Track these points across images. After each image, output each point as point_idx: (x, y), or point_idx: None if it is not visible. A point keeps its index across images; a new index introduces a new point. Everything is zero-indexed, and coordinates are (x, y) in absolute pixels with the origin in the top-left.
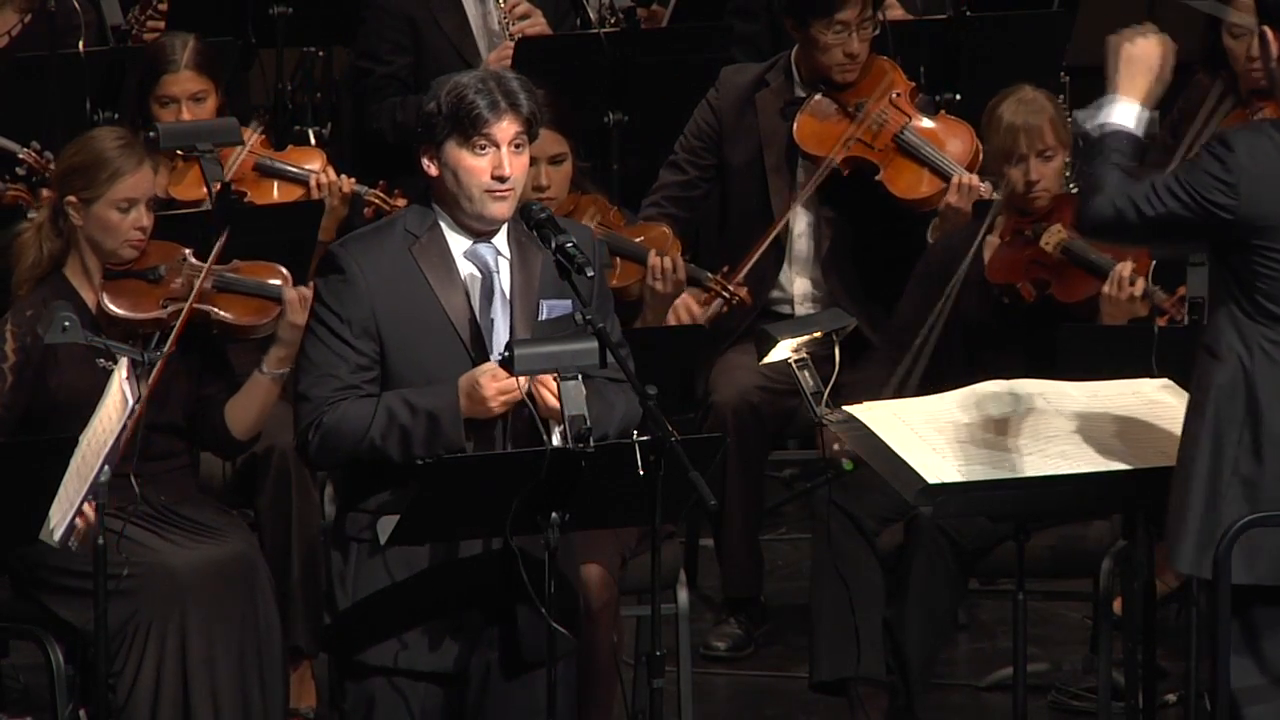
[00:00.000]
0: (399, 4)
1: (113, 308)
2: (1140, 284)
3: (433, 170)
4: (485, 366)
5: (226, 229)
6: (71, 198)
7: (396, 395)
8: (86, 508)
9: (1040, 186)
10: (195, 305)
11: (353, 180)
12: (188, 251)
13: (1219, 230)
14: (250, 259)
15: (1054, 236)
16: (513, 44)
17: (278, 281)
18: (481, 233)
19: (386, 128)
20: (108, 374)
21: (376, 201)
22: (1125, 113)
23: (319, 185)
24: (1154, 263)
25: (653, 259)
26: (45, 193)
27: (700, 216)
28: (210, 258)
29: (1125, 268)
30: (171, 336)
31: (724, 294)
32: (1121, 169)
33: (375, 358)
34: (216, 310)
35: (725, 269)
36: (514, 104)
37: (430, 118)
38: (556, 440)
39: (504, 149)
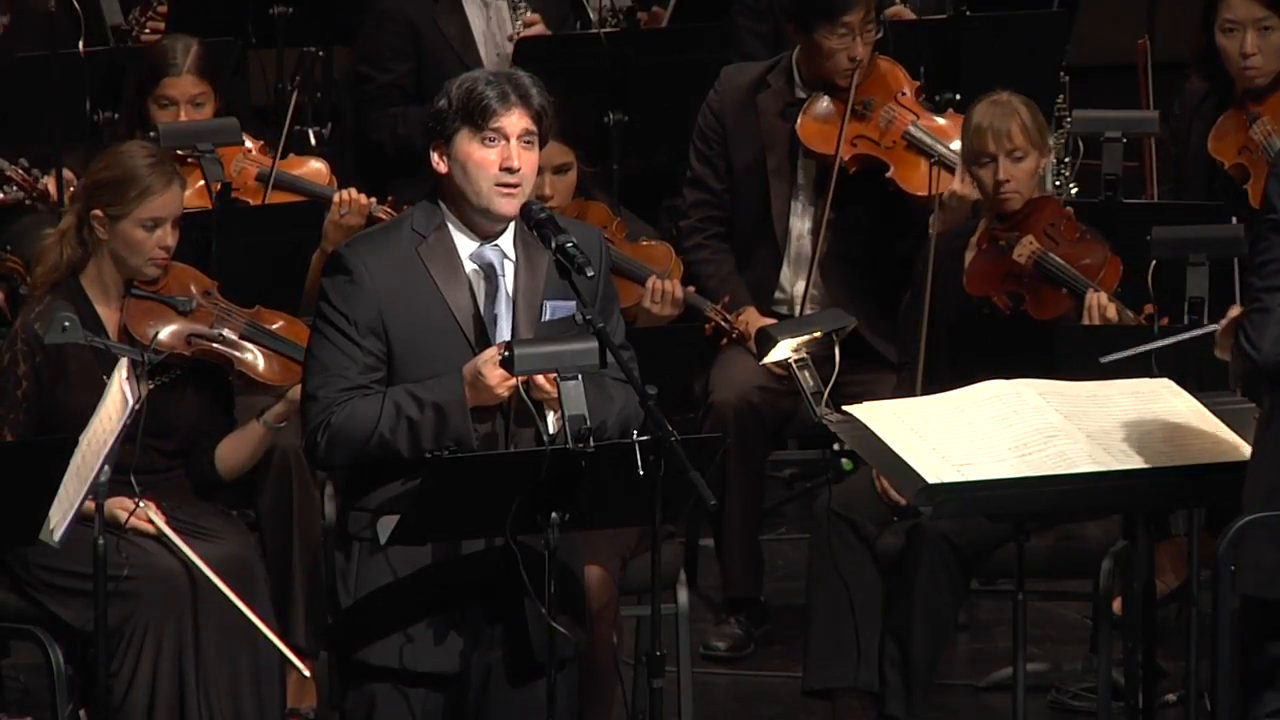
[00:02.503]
0: (401, 9)
1: (135, 329)
2: (1113, 310)
3: (442, 167)
4: (487, 354)
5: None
6: (98, 212)
7: (402, 390)
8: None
9: (1009, 187)
10: (220, 349)
11: (374, 199)
12: (214, 285)
13: None
14: (250, 260)
15: (1026, 248)
16: None
17: (304, 346)
18: (488, 232)
19: (386, 140)
20: None
21: (384, 217)
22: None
23: (342, 203)
24: (1155, 262)
25: (653, 282)
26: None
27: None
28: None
29: (1100, 297)
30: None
31: (723, 324)
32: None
33: (382, 357)
34: (239, 361)
35: (726, 299)
36: (524, 96)
37: (441, 113)
38: (552, 425)
39: (513, 142)
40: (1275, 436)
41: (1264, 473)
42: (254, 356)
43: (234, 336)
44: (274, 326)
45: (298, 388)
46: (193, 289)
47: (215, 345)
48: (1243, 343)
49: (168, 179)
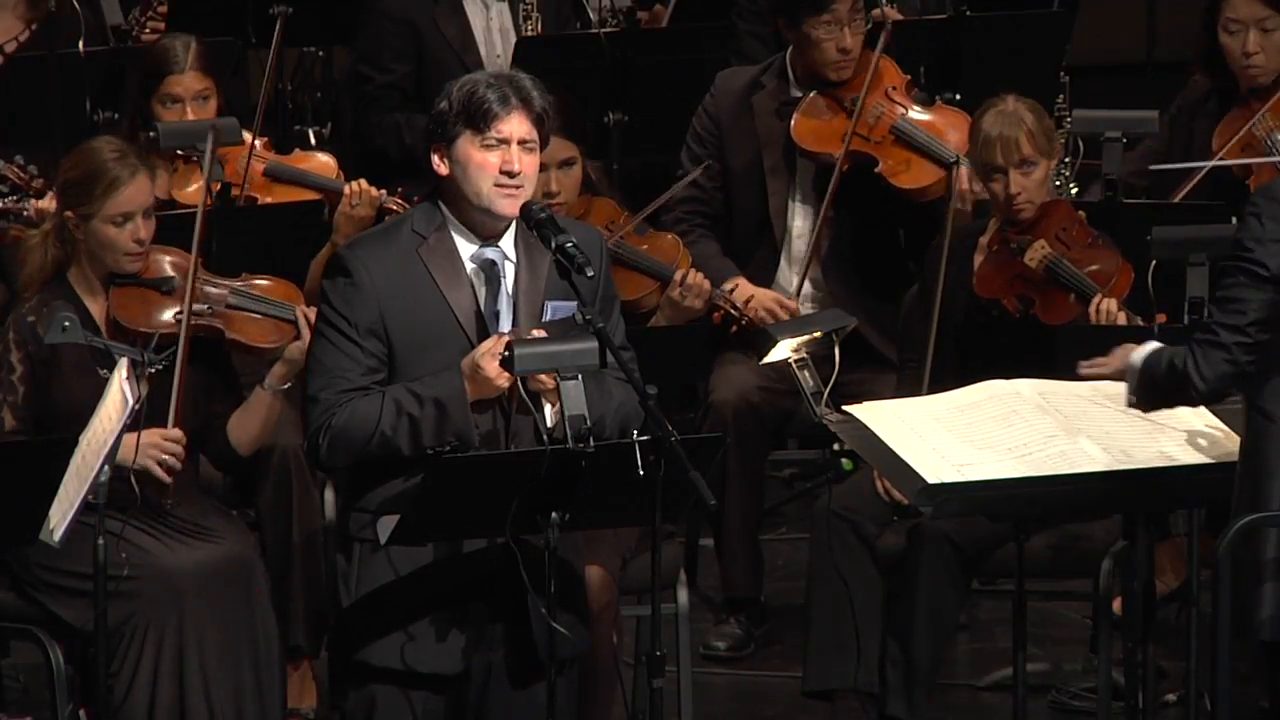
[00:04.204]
0: (400, 9)
1: (123, 317)
2: (1122, 318)
3: (443, 169)
4: (485, 346)
5: (200, 229)
6: (70, 213)
7: (402, 387)
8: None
9: (1022, 199)
10: (208, 322)
11: (384, 191)
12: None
13: None
14: (253, 259)
15: (1037, 253)
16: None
17: (293, 304)
18: (489, 233)
19: (390, 146)
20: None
21: (395, 209)
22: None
23: (352, 194)
24: (1155, 261)
25: (692, 277)
26: (36, 203)
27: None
28: (193, 253)
29: (1109, 304)
30: (179, 361)
31: (733, 311)
32: (1179, 358)
33: (384, 359)
34: (229, 329)
35: (733, 287)
36: (525, 99)
37: (442, 115)
38: (550, 418)
39: (514, 146)
40: (1252, 452)
41: (1244, 485)
42: (243, 322)
43: (220, 307)
44: (262, 290)
45: (294, 346)
46: (174, 267)
47: (203, 319)
48: (1190, 369)
49: (132, 171)
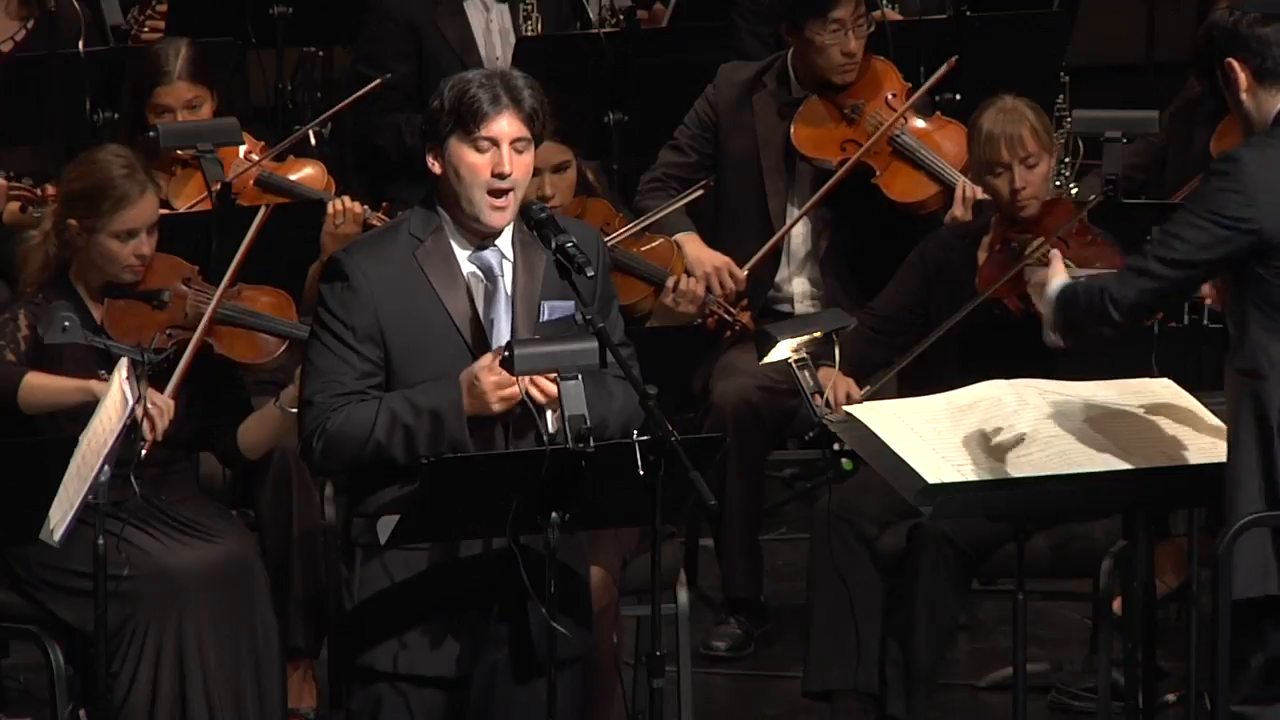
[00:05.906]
0: (402, 10)
1: (115, 332)
2: None
3: (437, 169)
4: (484, 360)
5: (233, 277)
6: (73, 222)
7: (398, 395)
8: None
9: (1026, 194)
10: (198, 337)
11: (366, 206)
12: (194, 270)
13: (1245, 247)
14: (250, 261)
15: (1037, 251)
16: None
17: (283, 317)
18: (483, 236)
19: (390, 146)
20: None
21: (378, 224)
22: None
23: (337, 212)
24: None
25: (685, 283)
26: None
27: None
28: (214, 302)
29: None
30: (175, 377)
31: (726, 315)
32: (1097, 286)
33: (380, 363)
34: (218, 344)
35: (720, 270)
36: (516, 99)
37: (434, 115)
38: (551, 424)
39: (505, 147)
40: (1247, 440)
41: (1244, 477)
42: (231, 338)
43: (209, 322)
44: (258, 303)
45: None
46: (171, 278)
47: (193, 333)
48: (1106, 296)
49: (141, 189)
